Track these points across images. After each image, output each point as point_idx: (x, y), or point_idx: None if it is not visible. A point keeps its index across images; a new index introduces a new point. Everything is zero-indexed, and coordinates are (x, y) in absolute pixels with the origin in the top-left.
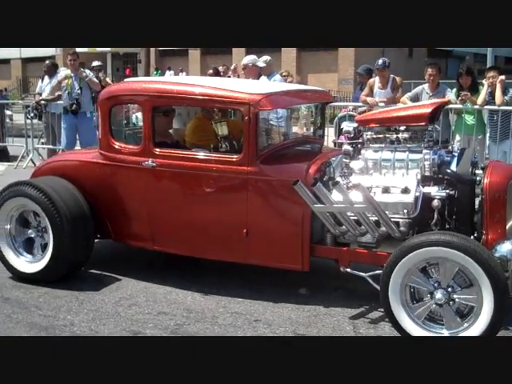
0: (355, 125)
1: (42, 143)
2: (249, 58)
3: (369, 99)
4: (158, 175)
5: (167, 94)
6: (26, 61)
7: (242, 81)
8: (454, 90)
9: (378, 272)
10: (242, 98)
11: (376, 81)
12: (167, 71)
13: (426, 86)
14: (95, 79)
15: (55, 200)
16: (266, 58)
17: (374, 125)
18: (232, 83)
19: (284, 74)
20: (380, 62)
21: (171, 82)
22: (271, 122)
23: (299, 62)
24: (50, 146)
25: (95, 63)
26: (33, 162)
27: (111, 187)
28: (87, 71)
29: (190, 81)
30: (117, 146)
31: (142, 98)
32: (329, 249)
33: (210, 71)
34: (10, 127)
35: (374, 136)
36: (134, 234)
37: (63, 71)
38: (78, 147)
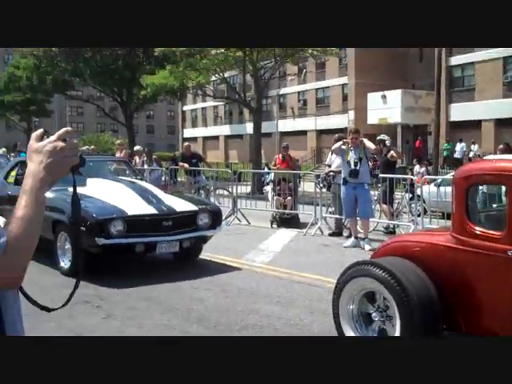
0: None
1: (330, 212)
2: None
3: None
4: None
5: None
6: (320, 132)
7: None
8: None
9: None
10: None
11: None
12: (458, 143)
13: None
14: (370, 143)
15: (403, 282)
16: None
17: None
18: None
19: None
20: None
21: None
22: None
23: None
24: (337, 216)
25: (381, 137)
26: (320, 231)
27: (465, 274)
28: (365, 140)
29: None
30: (476, 231)
31: (507, 178)
32: None
33: (501, 146)
34: (302, 195)
35: None
36: (491, 328)
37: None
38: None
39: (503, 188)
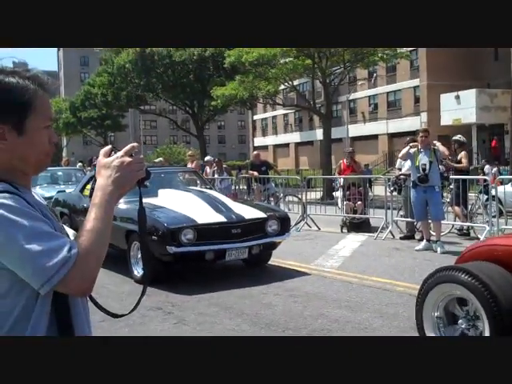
0: None
1: (401, 216)
2: None
3: None
4: None
5: None
6: (392, 136)
7: None
8: None
9: None
10: None
11: None
12: None
13: None
14: (444, 148)
15: (491, 287)
16: None
17: None
18: None
19: None
20: None
21: None
22: None
23: None
24: (409, 219)
25: (456, 137)
26: (392, 234)
27: None
28: (438, 144)
29: None
30: None
31: None
32: None
33: None
34: (373, 199)
35: None
36: None
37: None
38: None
39: None
